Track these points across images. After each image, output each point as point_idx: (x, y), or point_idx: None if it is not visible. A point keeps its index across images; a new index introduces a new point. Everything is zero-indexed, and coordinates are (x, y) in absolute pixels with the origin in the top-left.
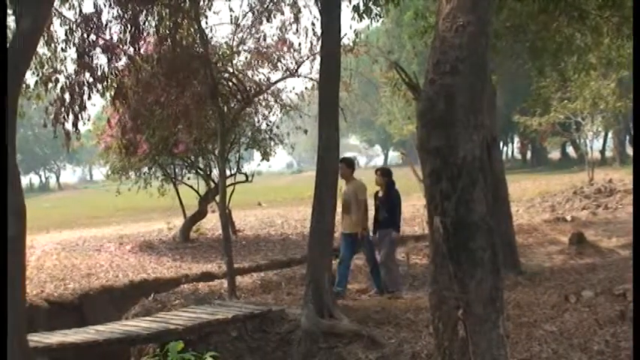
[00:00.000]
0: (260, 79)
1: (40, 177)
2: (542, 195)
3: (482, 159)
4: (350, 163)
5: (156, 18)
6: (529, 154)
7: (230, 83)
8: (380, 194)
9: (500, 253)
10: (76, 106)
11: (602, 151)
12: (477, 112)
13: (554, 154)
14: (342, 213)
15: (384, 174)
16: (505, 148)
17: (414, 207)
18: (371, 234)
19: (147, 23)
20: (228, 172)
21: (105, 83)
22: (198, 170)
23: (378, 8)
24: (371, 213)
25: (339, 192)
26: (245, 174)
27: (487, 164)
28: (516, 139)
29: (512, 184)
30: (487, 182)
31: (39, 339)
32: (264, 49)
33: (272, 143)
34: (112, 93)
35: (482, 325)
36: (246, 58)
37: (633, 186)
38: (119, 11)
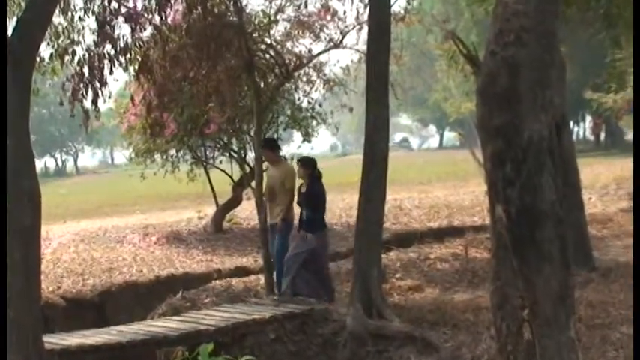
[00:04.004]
0: (300, 52)
1: (56, 160)
2: (618, 181)
3: (551, 140)
4: (272, 146)
5: None
6: (603, 136)
7: (267, 56)
8: (303, 189)
9: (570, 246)
10: (96, 82)
11: None
12: (545, 87)
13: (632, 135)
14: (267, 201)
15: (306, 165)
16: (576, 129)
17: (473, 194)
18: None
19: None
20: None
21: (128, 56)
22: (232, 153)
23: None
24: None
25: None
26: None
27: (556, 146)
28: (588, 119)
29: (584, 168)
30: (556, 166)
31: (56, 340)
32: (305, 18)
33: (314, 123)
34: (136, 67)
35: (551, 326)
36: (285, 27)
37: (633, 186)
38: None
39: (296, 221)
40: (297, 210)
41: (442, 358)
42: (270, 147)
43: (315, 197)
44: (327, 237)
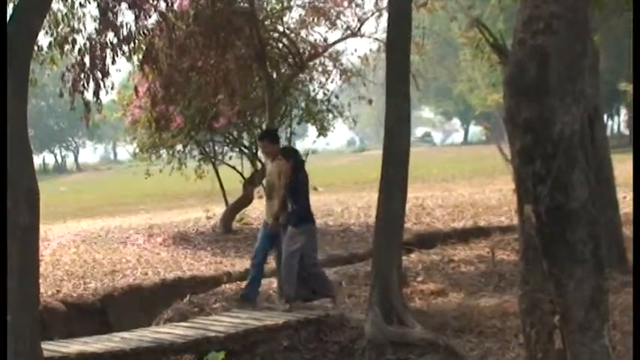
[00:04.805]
0: (316, 40)
1: (56, 156)
2: None
3: (583, 134)
4: (273, 138)
5: None
6: None
7: (280, 44)
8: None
9: (604, 247)
10: (98, 72)
11: None
12: (577, 78)
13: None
14: (265, 199)
15: (286, 155)
16: (610, 122)
17: (500, 192)
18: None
19: None
20: None
21: (132, 45)
22: (243, 148)
23: None
24: None
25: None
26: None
27: (588, 140)
28: (623, 112)
29: (618, 164)
30: (588, 162)
31: (55, 347)
32: (321, 4)
33: (330, 116)
34: (140, 56)
35: (583, 333)
36: (299, 14)
37: (633, 185)
38: None
39: None
40: None
41: None
42: (270, 138)
43: (297, 188)
44: (314, 232)
